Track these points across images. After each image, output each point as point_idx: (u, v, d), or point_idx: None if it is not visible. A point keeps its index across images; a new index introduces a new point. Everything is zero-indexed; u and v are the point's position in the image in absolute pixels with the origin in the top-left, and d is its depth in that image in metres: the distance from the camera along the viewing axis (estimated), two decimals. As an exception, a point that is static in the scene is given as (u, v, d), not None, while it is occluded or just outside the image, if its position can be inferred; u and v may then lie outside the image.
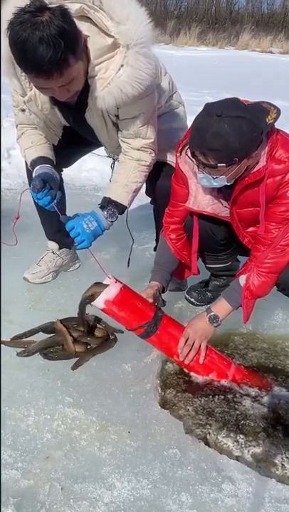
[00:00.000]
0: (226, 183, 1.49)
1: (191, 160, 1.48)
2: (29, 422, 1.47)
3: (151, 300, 1.69)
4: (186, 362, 1.67)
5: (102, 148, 1.99)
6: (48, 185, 1.65)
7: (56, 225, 2.11)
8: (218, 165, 1.40)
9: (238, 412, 1.56)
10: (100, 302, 1.61)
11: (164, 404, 1.60)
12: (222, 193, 1.64)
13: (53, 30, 1.32)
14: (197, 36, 15.81)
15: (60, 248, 2.28)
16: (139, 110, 1.64)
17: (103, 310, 1.64)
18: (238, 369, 1.70)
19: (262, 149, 1.47)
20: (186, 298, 2.16)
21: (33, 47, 1.33)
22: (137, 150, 1.75)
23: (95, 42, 1.50)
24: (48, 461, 1.35)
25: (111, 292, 1.60)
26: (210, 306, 1.73)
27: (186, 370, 1.72)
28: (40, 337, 1.80)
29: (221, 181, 1.47)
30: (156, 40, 13.99)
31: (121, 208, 1.77)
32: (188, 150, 1.47)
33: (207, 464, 1.36)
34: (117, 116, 1.68)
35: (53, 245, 2.28)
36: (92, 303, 1.63)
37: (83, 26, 1.48)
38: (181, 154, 1.63)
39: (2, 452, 1.36)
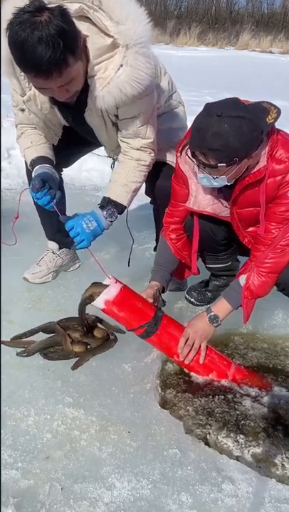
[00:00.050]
0: (227, 183, 1.49)
1: (192, 160, 1.48)
2: (29, 422, 1.47)
3: (151, 300, 1.69)
4: (186, 362, 1.67)
5: (102, 148, 1.99)
6: (47, 184, 1.65)
7: (56, 225, 2.11)
8: (219, 165, 1.40)
9: (238, 412, 1.56)
10: (99, 302, 1.61)
11: (164, 404, 1.60)
12: (222, 193, 1.64)
13: (52, 30, 1.32)
14: (197, 36, 15.81)
15: (60, 248, 2.28)
16: (139, 110, 1.64)
17: (103, 310, 1.64)
18: (238, 369, 1.70)
19: (262, 149, 1.47)
20: (186, 298, 2.16)
21: (32, 47, 1.33)
22: (137, 150, 1.75)
23: (94, 42, 1.50)
24: (48, 461, 1.35)
25: (111, 292, 1.60)
26: (210, 306, 1.73)
27: (186, 370, 1.72)
28: (40, 337, 1.80)
29: (222, 181, 1.47)
30: (156, 40, 14.00)
31: (120, 208, 1.77)
32: (189, 150, 1.47)
33: (207, 464, 1.36)
34: (117, 116, 1.68)
35: (53, 245, 2.28)
36: (92, 303, 1.63)
37: (82, 26, 1.48)
38: (181, 154, 1.63)
39: (2, 452, 1.36)
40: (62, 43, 1.34)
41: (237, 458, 1.41)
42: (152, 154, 1.79)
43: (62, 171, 2.11)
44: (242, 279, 1.65)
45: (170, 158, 1.92)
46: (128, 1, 1.52)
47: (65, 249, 2.28)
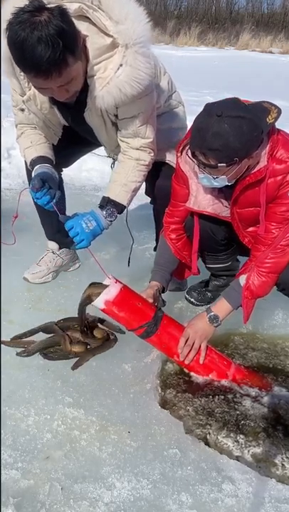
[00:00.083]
0: (227, 183, 1.49)
1: (192, 160, 1.48)
2: (29, 422, 1.47)
3: (151, 300, 1.69)
4: (186, 362, 1.67)
5: (102, 148, 1.99)
6: (47, 184, 1.65)
7: (56, 225, 2.11)
8: (219, 165, 1.39)
9: (238, 412, 1.56)
10: (99, 302, 1.61)
11: (164, 404, 1.60)
12: (223, 192, 1.64)
13: (51, 30, 1.32)
14: (197, 36, 15.80)
15: (60, 248, 2.28)
16: (138, 110, 1.64)
17: (103, 310, 1.64)
18: (238, 369, 1.70)
19: (262, 149, 1.47)
20: (186, 298, 2.16)
21: (32, 47, 1.33)
22: (136, 149, 1.75)
23: (93, 41, 1.50)
24: (48, 461, 1.35)
25: (111, 293, 1.60)
26: (210, 306, 1.73)
27: (186, 370, 1.72)
28: (40, 337, 1.80)
29: (222, 181, 1.47)
30: (156, 40, 14.00)
31: (120, 208, 1.77)
32: (189, 150, 1.47)
33: (207, 464, 1.36)
34: (116, 116, 1.68)
35: (53, 245, 2.28)
36: (92, 303, 1.63)
37: (82, 26, 1.48)
38: (181, 154, 1.63)
39: (2, 452, 1.36)
40: (61, 42, 1.34)
41: (237, 458, 1.41)
42: (152, 154, 1.79)
43: (62, 170, 2.11)
44: (242, 279, 1.65)
45: (170, 158, 1.92)
46: (127, 1, 1.52)
47: (65, 249, 2.28)
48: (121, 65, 1.51)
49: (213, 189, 1.62)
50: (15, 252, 2.26)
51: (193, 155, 1.44)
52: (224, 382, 1.67)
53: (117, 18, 1.48)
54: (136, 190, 1.80)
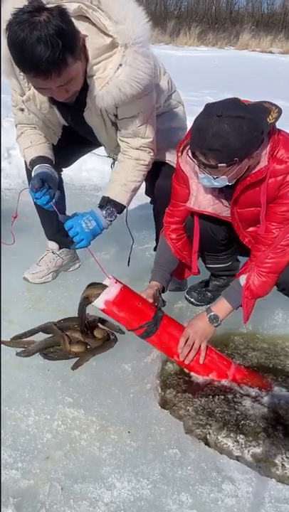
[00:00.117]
0: (228, 183, 1.49)
1: (192, 160, 1.48)
2: (29, 422, 1.47)
3: (151, 300, 1.69)
4: (186, 362, 1.67)
5: (102, 148, 1.99)
6: (46, 184, 1.65)
7: (56, 225, 2.11)
8: (219, 165, 1.39)
9: (238, 412, 1.56)
10: (99, 303, 1.61)
11: (164, 404, 1.60)
12: (223, 192, 1.64)
13: (51, 30, 1.32)
14: (197, 36, 15.80)
15: (60, 248, 2.28)
16: (138, 109, 1.64)
17: (103, 310, 1.64)
18: (238, 369, 1.70)
19: (263, 149, 1.47)
20: (186, 298, 2.16)
21: (31, 47, 1.33)
22: (136, 149, 1.75)
23: (93, 41, 1.50)
24: (48, 461, 1.35)
25: (111, 293, 1.60)
26: (210, 306, 1.73)
27: (186, 370, 1.72)
28: (40, 337, 1.80)
29: (222, 181, 1.47)
30: (156, 40, 14.00)
31: (120, 207, 1.77)
32: (189, 150, 1.47)
33: (207, 464, 1.36)
34: (116, 116, 1.68)
35: (53, 245, 2.28)
36: (93, 303, 1.63)
37: (81, 26, 1.48)
38: (182, 154, 1.63)
39: (2, 452, 1.36)
40: (61, 42, 1.34)
41: (237, 458, 1.41)
42: (151, 154, 1.79)
43: (62, 170, 2.11)
44: (242, 279, 1.65)
45: (170, 158, 1.92)
46: (127, 1, 1.52)
47: (65, 249, 2.28)
48: (120, 65, 1.51)
49: (213, 189, 1.62)
50: (15, 252, 2.26)
51: (194, 155, 1.44)
52: (224, 382, 1.67)
53: (116, 18, 1.48)
54: (136, 190, 1.80)
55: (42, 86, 1.48)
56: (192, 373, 1.70)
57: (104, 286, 1.62)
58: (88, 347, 1.77)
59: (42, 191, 1.64)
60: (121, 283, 1.64)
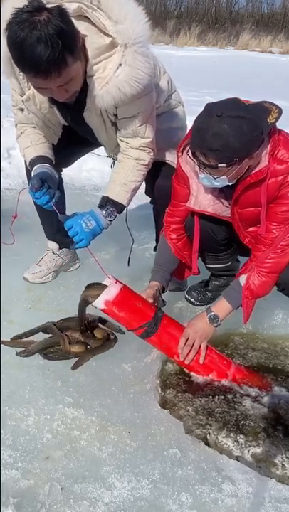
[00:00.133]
0: (228, 183, 1.49)
1: (193, 160, 1.48)
2: (29, 422, 1.47)
3: (151, 300, 1.69)
4: (186, 362, 1.67)
5: (102, 148, 1.99)
6: (46, 184, 1.65)
7: (56, 225, 2.10)
8: (219, 165, 1.39)
9: (238, 412, 1.56)
10: (99, 303, 1.61)
11: (164, 404, 1.60)
12: (223, 192, 1.63)
13: (50, 30, 1.32)
14: (197, 36, 15.79)
15: (60, 248, 2.28)
16: (138, 109, 1.64)
17: (103, 310, 1.64)
18: (238, 369, 1.70)
19: (263, 149, 1.47)
20: (186, 298, 2.16)
21: (31, 46, 1.33)
22: (136, 149, 1.75)
23: (93, 41, 1.50)
24: (48, 461, 1.35)
25: (111, 293, 1.60)
26: (210, 306, 1.73)
27: (186, 370, 1.72)
28: (40, 337, 1.80)
29: (222, 181, 1.47)
30: (156, 40, 14.00)
31: (119, 207, 1.77)
32: (190, 150, 1.47)
33: (207, 464, 1.36)
34: (116, 116, 1.67)
35: (53, 245, 2.28)
36: (93, 304, 1.63)
37: (81, 26, 1.48)
38: (182, 154, 1.63)
39: (2, 452, 1.36)
40: (61, 42, 1.34)
41: (237, 458, 1.41)
42: (151, 154, 1.79)
43: (61, 170, 2.11)
44: (242, 279, 1.65)
45: (170, 158, 1.92)
46: (127, 1, 1.52)
47: (65, 249, 2.28)
48: (120, 65, 1.51)
49: (213, 189, 1.62)
50: (15, 252, 2.26)
51: (194, 155, 1.44)
52: (224, 382, 1.67)
53: (116, 17, 1.48)
54: (135, 189, 1.80)
55: (42, 86, 1.48)
56: (192, 373, 1.70)
57: (103, 287, 1.61)
58: (88, 347, 1.77)
59: (42, 191, 1.64)
60: (121, 283, 1.64)
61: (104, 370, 1.70)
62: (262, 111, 1.45)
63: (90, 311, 1.75)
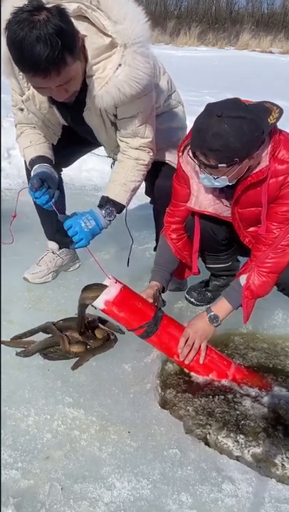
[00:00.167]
0: (228, 183, 1.49)
1: (193, 160, 1.48)
2: (29, 422, 1.47)
3: (151, 300, 1.69)
4: (186, 362, 1.67)
5: (102, 148, 1.99)
6: (45, 184, 1.65)
7: (56, 225, 2.10)
8: (219, 165, 1.39)
9: (238, 412, 1.56)
10: (100, 303, 1.61)
11: (164, 404, 1.60)
12: (224, 192, 1.63)
13: (50, 29, 1.32)
14: (197, 36, 15.79)
15: (60, 248, 2.28)
16: (137, 109, 1.64)
17: (103, 310, 1.64)
18: (238, 368, 1.70)
19: (264, 149, 1.47)
20: (186, 298, 2.16)
21: (30, 46, 1.33)
22: (136, 149, 1.75)
23: (92, 41, 1.50)
24: (48, 461, 1.35)
25: (111, 293, 1.60)
26: (210, 305, 1.73)
27: (186, 370, 1.72)
28: (40, 337, 1.80)
29: (223, 181, 1.47)
30: (156, 40, 14.00)
31: (119, 207, 1.77)
32: (190, 150, 1.47)
33: (207, 464, 1.36)
34: (115, 116, 1.68)
35: (52, 245, 2.28)
36: (93, 304, 1.63)
37: (81, 26, 1.48)
38: (183, 154, 1.63)
39: (2, 452, 1.36)
40: (60, 42, 1.34)
41: (237, 458, 1.41)
42: (151, 153, 1.79)
43: (61, 170, 2.11)
44: (242, 279, 1.65)
45: (169, 158, 1.92)
46: (126, 1, 1.52)
47: (65, 249, 2.28)
48: (120, 65, 1.51)
49: (214, 189, 1.62)
50: (15, 252, 2.26)
51: (194, 155, 1.44)
52: (224, 382, 1.67)
53: (115, 17, 1.48)
54: (135, 189, 1.80)
55: (41, 85, 1.48)
56: (192, 373, 1.70)
57: (100, 288, 1.61)
58: (88, 347, 1.77)
59: (41, 191, 1.64)
60: (121, 283, 1.64)
61: (104, 370, 1.70)
62: (263, 111, 1.45)
63: (90, 311, 1.75)
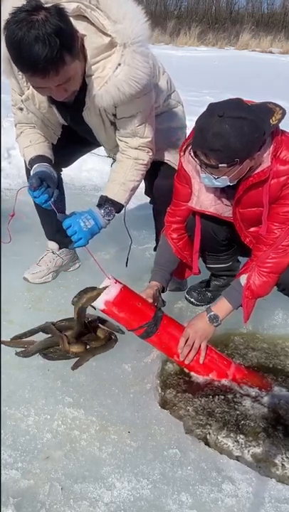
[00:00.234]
0: (229, 183, 1.49)
1: (194, 160, 1.48)
2: (29, 422, 1.47)
3: (151, 300, 1.69)
4: (187, 362, 1.67)
5: (102, 148, 1.99)
6: (45, 183, 1.65)
7: (56, 225, 2.10)
8: (220, 165, 1.39)
9: (238, 412, 1.56)
10: (99, 303, 1.61)
11: (164, 404, 1.60)
12: (225, 192, 1.63)
13: (48, 29, 1.32)
14: (197, 36, 15.79)
15: (60, 248, 2.28)
16: (137, 109, 1.64)
17: (103, 311, 1.64)
18: (238, 368, 1.70)
19: (265, 150, 1.47)
20: (186, 298, 2.16)
21: (29, 45, 1.33)
22: (135, 149, 1.75)
23: (91, 41, 1.50)
24: (48, 461, 1.34)
25: (111, 293, 1.60)
26: (210, 305, 1.73)
27: (186, 370, 1.72)
28: (40, 337, 1.80)
29: (223, 181, 1.47)
30: (156, 40, 14.01)
31: (118, 207, 1.77)
32: (191, 149, 1.47)
33: (207, 464, 1.36)
34: (115, 115, 1.67)
35: (52, 245, 2.28)
36: (93, 304, 1.63)
37: (80, 25, 1.48)
38: (184, 154, 1.63)
39: (2, 452, 1.35)
40: (59, 41, 1.34)
41: (237, 458, 1.41)
42: (150, 153, 1.79)
43: (61, 170, 2.11)
44: (243, 279, 1.65)
45: (169, 158, 1.92)
46: (125, 0, 1.52)
47: (65, 249, 2.28)
48: (119, 65, 1.51)
49: (215, 189, 1.62)
50: (15, 252, 2.26)
51: (195, 155, 1.44)
52: (224, 382, 1.67)
53: (115, 17, 1.48)
54: (134, 189, 1.80)
55: (40, 85, 1.48)
56: (192, 373, 1.70)
57: (95, 290, 1.60)
58: (88, 347, 1.77)
59: (40, 190, 1.64)
60: (121, 283, 1.64)
61: (104, 370, 1.69)
62: (265, 112, 1.45)
63: (89, 311, 1.75)
